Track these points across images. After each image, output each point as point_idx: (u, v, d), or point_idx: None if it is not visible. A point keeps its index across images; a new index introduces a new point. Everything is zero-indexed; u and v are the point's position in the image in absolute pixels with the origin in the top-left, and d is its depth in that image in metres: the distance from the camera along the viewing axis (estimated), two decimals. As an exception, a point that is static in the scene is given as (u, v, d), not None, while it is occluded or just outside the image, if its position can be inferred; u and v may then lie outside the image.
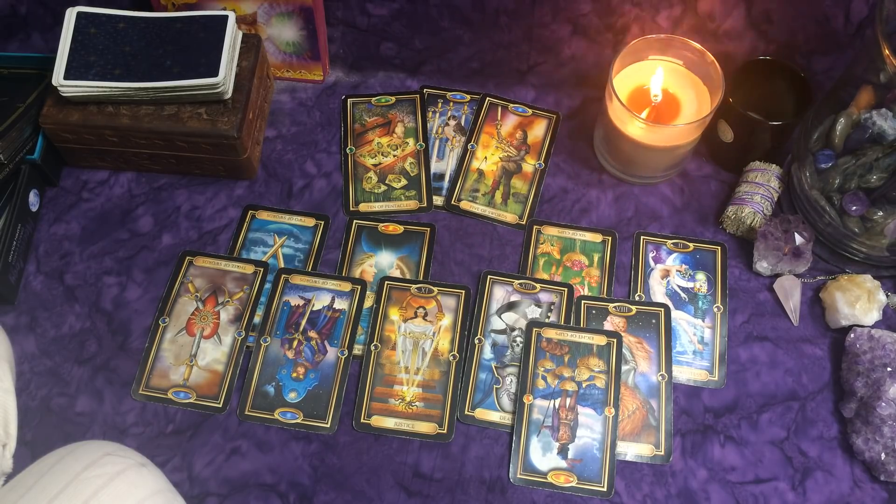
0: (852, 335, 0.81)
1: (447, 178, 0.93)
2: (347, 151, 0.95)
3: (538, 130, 0.96)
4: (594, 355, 0.82)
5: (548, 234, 0.89)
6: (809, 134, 0.83)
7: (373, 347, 0.83)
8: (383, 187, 0.93)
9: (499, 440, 0.79)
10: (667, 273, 0.87)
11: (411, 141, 0.96)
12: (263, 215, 0.91)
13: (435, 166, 0.94)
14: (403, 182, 0.93)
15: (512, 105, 0.98)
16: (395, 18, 0.96)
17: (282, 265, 0.88)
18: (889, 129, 0.76)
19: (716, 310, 0.85)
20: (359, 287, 0.86)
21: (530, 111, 0.98)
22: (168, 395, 0.81)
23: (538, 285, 0.86)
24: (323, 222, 0.91)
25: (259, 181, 0.93)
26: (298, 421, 0.80)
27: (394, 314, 0.85)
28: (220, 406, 0.80)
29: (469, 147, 0.95)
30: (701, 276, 0.87)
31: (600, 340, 0.82)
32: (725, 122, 0.88)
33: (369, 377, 0.81)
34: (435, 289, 0.86)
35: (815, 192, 0.83)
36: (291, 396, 0.81)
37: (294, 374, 0.82)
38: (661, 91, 0.87)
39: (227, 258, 0.88)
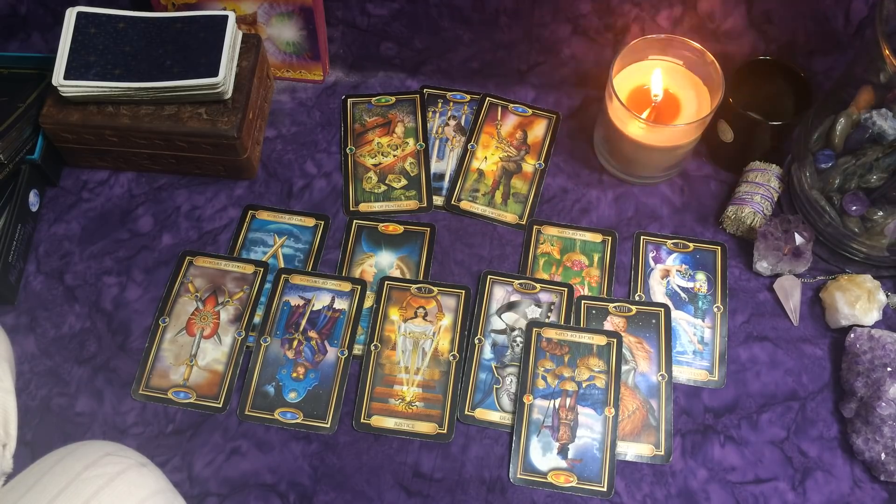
0: (852, 335, 0.81)
1: (447, 178, 0.93)
2: (347, 151, 0.95)
3: (538, 130, 0.96)
4: (594, 355, 0.82)
5: (548, 234, 0.89)
6: (809, 134, 0.83)
7: (373, 347, 0.83)
8: (383, 187, 0.93)
9: (499, 440, 0.79)
10: (667, 273, 0.87)
11: (411, 141, 0.96)
12: (263, 215, 0.91)
13: (435, 166, 0.94)
14: (403, 182, 0.93)
15: (512, 105, 0.98)
16: (395, 18, 0.96)
17: (282, 265, 0.88)
18: (889, 129, 0.76)
19: (716, 310, 0.85)
20: (359, 287, 0.86)
21: (530, 111, 0.98)
22: (168, 395, 0.81)
23: (538, 285, 0.86)
24: (323, 222, 0.91)
25: (259, 181, 0.93)
26: (298, 421, 0.80)
27: (394, 314, 0.85)
28: (220, 406, 0.80)
29: (469, 147, 0.95)
30: (701, 276, 0.87)
31: (600, 340, 0.82)
32: (725, 122, 0.88)
33: (369, 377, 0.81)
34: (435, 289, 0.86)
35: (815, 192, 0.83)
36: (291, 396, 0.81)
37: (294, 374, 0.82)
38: (661, 91, 0.87)
39: (227, 258, 0.88)
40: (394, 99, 0.98)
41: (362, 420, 0.80)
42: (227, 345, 0.83)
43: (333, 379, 0.81)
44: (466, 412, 0.80)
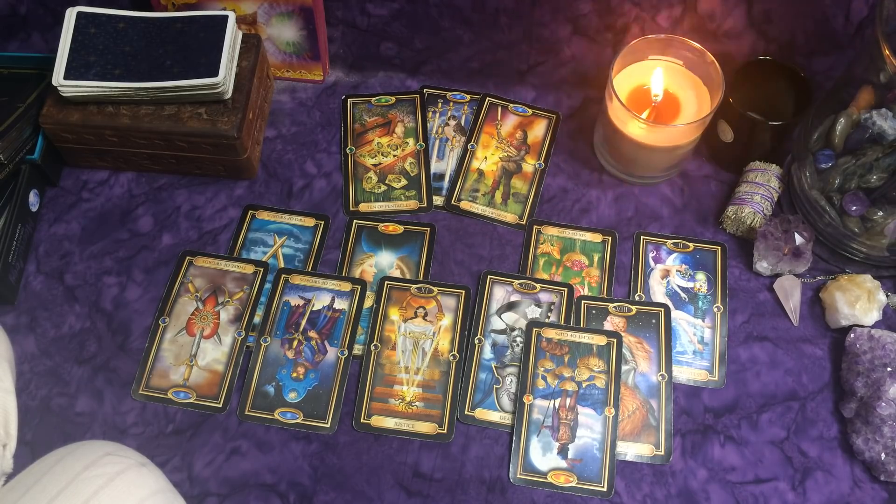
0: (852, 335, 0.81)
1: (447, 178, 0.93)
2: (347, 151, 0.95)
3: (538, 130, 0.96)
4: (594, 355, 0.82)
5: (548, 234, 0.89)
6: (809, 134, 0.83)
7: (373, 347, 0.83)
8: (383, 187, 0.93)
9: (499, 440, 0.79)
10: (667, 273, 0.87)
11: (411, 141, 0.96)
12: (263, 215, 0.91)
13: (435, 166, 0.94)
14: (403, 182, 0.93)
15: (512, 105, 0.98)
16: (395, 18, 0.96)
17: (282, 265, 0.88)
18: (889, 129, 0.76)
19: (716, 310, 0.85)
20: (359, 287, 0.86)
21: (530, 111, 0.98)
22: (168, 395, 0.81)
23: (538, 285, 0.86)
24: (323, 222, 0.91)
25: (259, 181, 0.93)
26: (298, 421, 0.80)
27: (394, 314, 0.85)
28: (220, 406, 0.80)
29: (469, 147, 0.95)
30: (701, 276, 0.87)
31: (600, 340, 0.82)
32: (725, 122, 0.88)
33: (369, 377, 0.81)
34: (435, 289, 0.86)
35: (815, 192, 0.83)
36: (291, 396, 0.81)
37: (294, 374, 0.82)
38: (661, 91, 0.87)
39: (227, 258, 0.88)
40: (394, 99, 0.98)
41: (362, 420, 0.80)
42: (227, 345, 0.83)
43: (333, 379, 0.81)
44: (466, 412, 0.80)
